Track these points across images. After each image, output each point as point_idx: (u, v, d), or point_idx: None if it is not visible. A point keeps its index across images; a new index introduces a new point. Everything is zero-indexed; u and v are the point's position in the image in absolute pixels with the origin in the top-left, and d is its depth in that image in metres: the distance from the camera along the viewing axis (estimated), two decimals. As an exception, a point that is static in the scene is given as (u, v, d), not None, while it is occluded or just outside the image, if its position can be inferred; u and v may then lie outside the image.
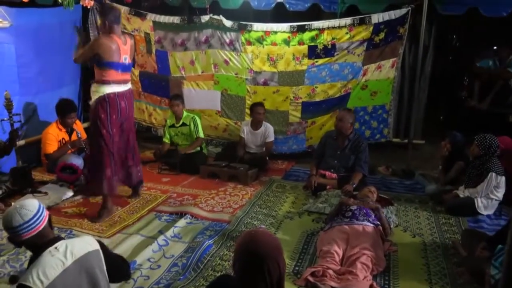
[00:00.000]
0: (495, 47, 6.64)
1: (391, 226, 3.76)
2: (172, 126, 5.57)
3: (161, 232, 3.65)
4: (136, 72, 6.37)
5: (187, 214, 3.96)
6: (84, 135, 5.25)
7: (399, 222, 3.97)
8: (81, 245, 1.97)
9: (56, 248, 1.91)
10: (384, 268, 3.13)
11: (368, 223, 3.46)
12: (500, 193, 4.09)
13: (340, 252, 3.18)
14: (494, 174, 4.03)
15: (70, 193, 4.41)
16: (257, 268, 1.60)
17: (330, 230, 3.48)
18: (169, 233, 3.61)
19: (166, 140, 5.64)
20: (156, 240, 3.45)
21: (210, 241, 3.45)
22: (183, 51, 6.02)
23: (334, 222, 3.56)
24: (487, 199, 4.11)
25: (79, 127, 5.34)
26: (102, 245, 2.13)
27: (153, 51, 6.15)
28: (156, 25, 5.99)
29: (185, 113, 5.56)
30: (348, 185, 4.39)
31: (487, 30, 6.84)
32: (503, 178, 4.07)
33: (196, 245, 3.38)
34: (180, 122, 5.52)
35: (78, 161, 4.95)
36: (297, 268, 3.16)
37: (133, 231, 3.67)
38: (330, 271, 2.94)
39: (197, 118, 5.55)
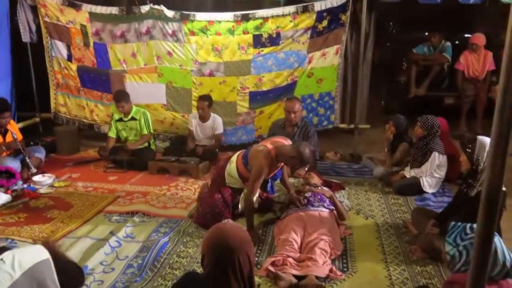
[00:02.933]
0: (426, 33, 6.96)
1: (347, 211, 3.84)
2: (120, 120, 5.30)
3: (112, 233, 3.47)
4: (74, 66, 6.02)
5: (139, 213, 3.79)
6: (19, 136, 4.89)
7: (351, 205, 4.06)
8: (29, 255, 1.80)
9: (2, 260, 1.73)
10: (342, 252, 3.18)
11: (324, 209, 3.51)
12: (443, 171, 4.30)
13: (298, 240, 3.19)
14: (437, 153, 4.21)
15: (6, 199, 4.07)
16: (228, 262, 1.54)
17: (287, 218, 3.49)
18: (121, 233, 3.44)
19: (112, 134, 5.35)
20: (108, 242, 3.28)
21: (165, 239, 3.33)
22: (123, 43, 5.75)
23: (290, 210, 3.57)
24: (431, 178, 4.30)
25: (14, 127, 4.95)
26: (53, 250, 1.97)
27: (91, 44, 5.83)
28: (93, 16, 5.68)
29: (134, 108, 5.30)
30: (300, 170, 4.44)
31: (421, 17, 7.15)
32: (445, 157, 4.27)
33: (151, 244, 3.26)
34: (129, 116, 5.26)
35: (14, 164, 4.62)
36: (256, 259, 3.12)
37: (81, 234, 3.46)
38: (290, 259, 2.94)
39: (148, 113, 5.33)
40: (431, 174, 4.29)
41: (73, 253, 3.13)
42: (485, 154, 2.86)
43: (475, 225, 2.30)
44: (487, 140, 2.93)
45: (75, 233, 3.50)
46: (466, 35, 6.88)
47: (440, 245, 2.81)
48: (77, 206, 4.01)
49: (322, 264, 2.90)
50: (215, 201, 3.60)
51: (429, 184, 4.31)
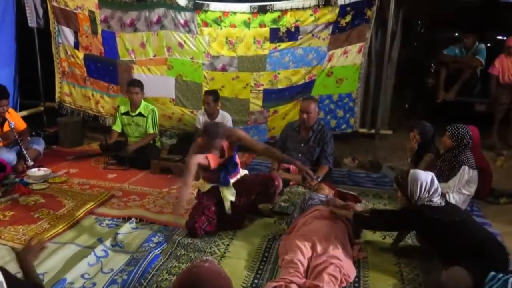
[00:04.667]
0: (456, 34, 6.48)
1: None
2: (126, 113, 5.00)
3: (100, 240, 3.15)
4: (81, 55, 5.75)
5: (133, 218, 3.47)
6: (19, 126, 4.64)
7: (368, 221, 3.65)
8: None
9: None
10: (354, 278, 2.79)
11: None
12: (473, 188, 3.85)
13: (305, 262, 2.81)
14: (467, 167, 3.77)
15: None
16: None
17: (294, 235, 3.12)
18: (110, 241, 3.11)
19: (116, 128, 5.06)
20: (94, 251, 2.95)
21: (157, 251, 3.00)
22: (132, 32, 5.44)
23: (298, 215, 3.36)
24: (459, 194, 3.85)
25: (13, 116, 4.70)
26: (7, 274, 1.66)
27: (99, 31, 5.54)
28: (102, 2, 5.40)
29: (143, 103, 5.00)
30: (312, 180, 4.05)
31: (452, 15, 6.66)
32: (476, 171, 3.83)
33: (141, 256, 2.92)
34: (137, 111, 4.95)
35: (9, 156, 4.36)
36: (256, 281, 2.76)
37: (67, 240, 3.16)
38: (294, 286, 2.57)
39: (156, 111, 5.02)
40: (459, 190, 3.84)
41: (54, 262, 2.83)
42: (418, 188, 2.86)
43: None
44: (420, 174, 2.92)
45: (61, 238, 3.19)
46: (501, 37, 6.35)
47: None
48: (68, 206, 3.71)
49: (330, 293, 2.52)
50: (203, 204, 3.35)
51: (456, 201, 3.85)
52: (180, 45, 5.33)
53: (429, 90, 6.37)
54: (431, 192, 2.86)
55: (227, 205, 3.39)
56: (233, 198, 3.39)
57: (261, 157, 5.22)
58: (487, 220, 3.74)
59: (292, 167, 4.28)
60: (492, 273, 1.83)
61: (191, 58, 5.38)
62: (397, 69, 5.63)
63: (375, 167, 5.01)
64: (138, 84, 4.96)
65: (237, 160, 3.55)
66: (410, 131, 4.40)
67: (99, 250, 2.98)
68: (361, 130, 5.53)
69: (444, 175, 3.93)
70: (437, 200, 2.87)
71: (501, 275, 1.80)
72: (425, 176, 2.91)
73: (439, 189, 2.91)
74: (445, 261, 2.69)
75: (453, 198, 3.85)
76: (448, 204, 2.95)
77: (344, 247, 2.97)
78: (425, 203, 2.86)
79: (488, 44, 6.26)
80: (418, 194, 2.87)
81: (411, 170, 3.03)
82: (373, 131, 5.46)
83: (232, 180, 3.47)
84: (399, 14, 5.27)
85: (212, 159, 3.32)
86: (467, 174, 3.79)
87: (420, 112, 6.04)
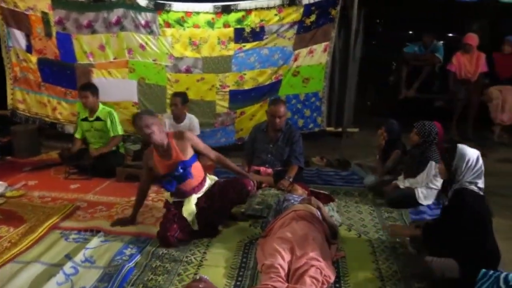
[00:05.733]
0: (410, 32, 6.67)
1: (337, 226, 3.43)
2: (85, 119, 4.76)
3: (68, 256, 2.96)
4: (34, 59, 5.44)
5: (101, 231, 3.29)
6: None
7: (342, 220, 3.66)
8: None
9: None
10: (334, 279, 2.77)
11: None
12: (439, 182, 3.93)
13: (285, 265, 2.76)
14: (433, 162, 3.87)
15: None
16: None
17: (271, 238, 3.07)
18: (79, 257, 2.93)
19: (77, 135, 4.82)
20: (62, 269, 2.77)
21: (131, 264, 2.85)
22: (90, 34, 5.21)
23: (273, 219, 3.31)
24: (427, 189, 3.95)
25: None
26: None
27: (53, 34, 5.27)
28: (55, 3, 5.14)
29: (101, 106, 4.77)
30: (284, 180, 4.03)
31: (409, 14, 6.84)
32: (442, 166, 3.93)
33: (114, 271, 2.77)
34: (94, 116, 4.72)
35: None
36: (237, 288, 2.69)
37: (31, 258, 2.94)
38: (277, 292, 2.52)
39: (114, 113, 4.80)
40: (427, 184, 3.94)
41: (18, 284, 2.63)
42: (463, 165, 2.64)
43: (511, 275, 2.01)
44: (468, 150, 2.71)
45: (24, 256, 2.97)
46: (457, 35, 6.60)
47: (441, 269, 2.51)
48: (30, 222, 3.47)
49: (313, 296, 2.49)
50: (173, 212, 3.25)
51: (424, 196, 3.97)
52: (142, 47, 5.16)
53: (391, 88, 6.51)
54: (474, 171, 2.66)
55: (190, 221, 3.23)
56: (190, 218, 3.22)
57: (229, 159, 5.12)
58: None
59: (262, 168, 4.23)
60: (483, 270, 1.85)
61: (154, 60, 5.22)
62: (359, 68, 5.72)
63: (343, 165, 5.05)
64: (88, 87, 4.67)
65: (196, 168, 3.36)
66: (378, 129, 4.47)
67: (68, 267, 2.80)
68: (329, 128, 5.57)
69: (412, 171, 4.01)
70: (481, 185, 2.68)
71: (492, 271, 1.82)
72: (472, 153, 2.71)
73: (483, 171, 2.71)
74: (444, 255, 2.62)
75: (422, 192, 3.95)
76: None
77: (322, 248, 2.94)
78: (472, 188, 2.65)
79: (441, 42, 6.48)
80: (462, 170, 2.67)
81: (459, 145, 2.79)
82: (340, 129, 5.50)
83: (195, 196, 3.34)
84: (361, 13, 5.35)
85: (159, 164, 3.26)
86: (434, 169, 3.89)
87: (382, 109, 6.15)
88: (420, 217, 3.76)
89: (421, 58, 6.20)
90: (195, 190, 3.35)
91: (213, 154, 3.51)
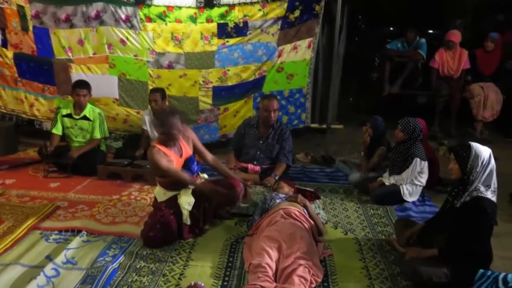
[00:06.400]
0: (391, 28, 6.71)
1: (323, 224, 3.42)
2: (69, 116, 4.61)
3: (49, 258, 2.86)
4: (10, 54, 5.24)
5: (83, 231, 3.20)
6: None
7: (328, 217, 3.64)
8: None
9: None
10: (322, 277, 2.75)
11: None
12: (424, 179, 3.98)
13: (273, 265, 2.72)
14: (418, 159, 3.89)
15: None
16: None
17: (258, 236, 3.02)
18: (60, 258, 2.82)
19: (56, 131, 4.63)
20: (43, 271, 2.66)
21: (114, 265, 2.77)
22: (68, 28, 5.06)
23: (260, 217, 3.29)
24: (411, 186, 3.97)
25: None
26: None
27: (30, 28, 5.09)
28: (32, -4, 4.94)
29: (89, 105, 4.63)
30: (270, 177, 3.99)
31: (391, 10, 6.88)
32: (426, 163, 3.96)
33: (97, 272, 2.68)
34: (81, 114, 4.59)
35: None
36: (224, 289, 2.64)
37: (10, 260, 2.83)
38: (265, 292, 2.48)
39: (103, 114, 4.70)
40: (411, 181, 3.95)
41: (-4, 287, 2.52)
42: (479, 163, 2.56)
43: (510, 276, 2.01)
44: (482, 148, 2.63)
45: (3, 258, 2.85)
46: (439, 32, 6.66)
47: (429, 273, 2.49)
48: (8, 222, 3.34)
49: (302, 296, 2.46)
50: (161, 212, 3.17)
51: (409, 192, 3.98)
52: (122, 41, 5.04)
53: (374, 84, 6.53)
54: (488, 170, 2.58)
55: (185, 214, 3.20)
56: (189, 208, 3.19)
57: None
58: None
59: (250, 165, 4.18)
60: (481, 270, 1.83)
61: (135, 56, 5.10)
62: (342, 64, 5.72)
63: (328, 162, 5.05)
64: (85, 85, 4.59)
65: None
66: (363, 126, 4.47)
67: (48, 269, 2.70)
68: (313, 125, 5.55)
69: (397, 168, 4.02)
70: (495, 186, 2.58)
71: (490, 272, 1.81)
72: (485, 152, 2.63)
73: (494, 170, 2.63)
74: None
75: (407, 189, 3.96)
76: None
77: (310, 246, 2.92)
78: (488, 194, 2.54)
79: (423, 39, 6.52)
80: (478, 170, 2.57)
81: (472, 144, 2.66)
82: (324, 126, 5.49)
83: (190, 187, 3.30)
84: (345, 9, 5.34)
85: (176, 160, 3.20)
86: (419, 165, 3.91)
87: (365, 106, 6.17)
88: (406, 213, 3.78)
89: (404, 54, 6.24)
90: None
91: (209, 156, 3.52)
